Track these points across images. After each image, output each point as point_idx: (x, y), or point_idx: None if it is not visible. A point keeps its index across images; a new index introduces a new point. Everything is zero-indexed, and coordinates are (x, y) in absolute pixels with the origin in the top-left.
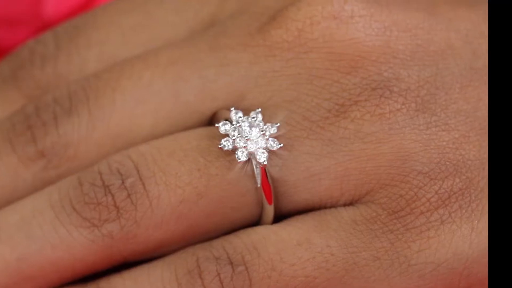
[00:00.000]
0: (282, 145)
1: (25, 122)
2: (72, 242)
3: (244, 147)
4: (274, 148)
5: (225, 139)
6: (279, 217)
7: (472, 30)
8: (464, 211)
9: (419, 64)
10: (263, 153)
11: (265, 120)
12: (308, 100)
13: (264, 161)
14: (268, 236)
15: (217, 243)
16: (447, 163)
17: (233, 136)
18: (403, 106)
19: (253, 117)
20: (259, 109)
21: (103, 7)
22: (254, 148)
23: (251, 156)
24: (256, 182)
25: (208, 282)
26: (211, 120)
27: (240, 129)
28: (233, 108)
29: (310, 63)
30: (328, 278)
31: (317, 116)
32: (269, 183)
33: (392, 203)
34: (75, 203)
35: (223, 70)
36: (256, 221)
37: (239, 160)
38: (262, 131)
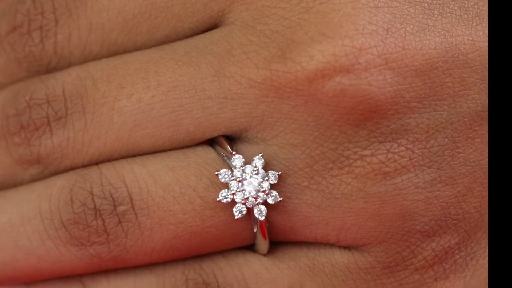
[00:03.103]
0: (281, 199)
1: (17, 119)
2: (59, 257)
3: (243, 203)
4: (273, 203)
5: (223, 192)
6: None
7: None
8: (458, 266)
9: (429, 110)
10: (261, 210)
11: (266, 159)
12: (313, 148)
13: (262, 218)
14: (260, 273)
15: (208, 266)
16: (448, 219)
17: (233, 190)
18: (409, 163)
19: (255, 167)
20: (261, 154)
21: None
22: (253, 204)
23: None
24: (252, 225)
25: None
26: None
27: (241, 185)
28: (235, 153)
29: (319, 113)
30: None
31: (320, 166)
32: (265, 229)
33: (388, 258)
34: (64, 220)
35: (226, 104)
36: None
37: (236, 217)
38: (262, 187)
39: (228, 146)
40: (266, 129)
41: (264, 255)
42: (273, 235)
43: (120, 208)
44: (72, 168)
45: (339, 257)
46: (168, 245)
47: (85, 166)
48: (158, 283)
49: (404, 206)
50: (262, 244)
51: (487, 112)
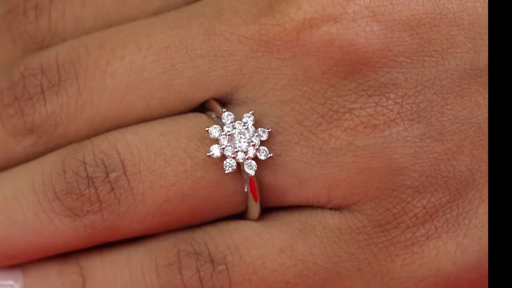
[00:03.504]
0: (271, 155)
1: (11, 91)
2: (54, 229)
3: (233, 157)
4: (263, 158)
5: (214, 147)
6: (265, 209)
7: (476, 24)
8: (450, 225)
9: (418, 66)
10: (251, 164)
11: (256, 117)
12: (302, 103)
13: (253, 173)
14: (251, 238)
15: (199, 236)
16: (438, 175)
17: (223, 145)
18: (398, 116)
19: (245, 123)
20: (251, 112)
21: None
22: (243, 158)
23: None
24: (243, 186)
25: (187, 278)
26: (203, 106)
27: (231, 139)
28: (225, 110)
29: (307, 65)
30: (309, 285)
31: (310, 121)
32: (256, 189)
33: (379, 216)
34: (58, 191)
35: (217, 61)
36: (242, 213)
37: (226, 172)
38: (252, 141)
39: (219, 107)
40: (256, 87)
41: (256, 221)
42: (264, 198)
43: (112, 175)
44: (65, 136)
45: (330, 219)
46: (161, 210)
47: (78, 133)
48: (151, 257)
49: (394, 160)
50: (253, 207)
51: (475, 71)
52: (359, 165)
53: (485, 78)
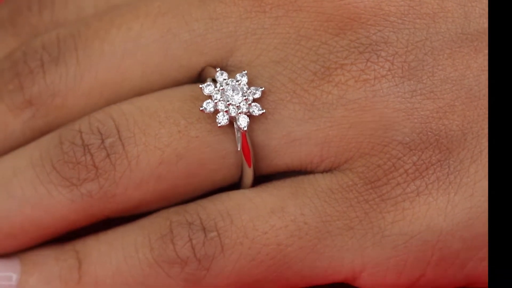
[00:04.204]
0: (264, 111)
1: (12, 69)
2: (51, 201)
3: (226, 111)
4: (256, 114)
5: (207, 101)
6: (260, 179)
7: None
8: (441, 183)
9: (409, 27)
10: (244, 118)
11: (250, 79)
12: (295, 62)
13: (245, 126)
14: (243, 203)
15: (191, 207)
16: (429, 133)
17: (216, 99)
18: (389, 72)
19: (238, 80)
20: (245, 72)
21: None
22: (236, 112)
23: (232, 120)
24: (236, 145)
25: (179, 247)
26: (200, 76)
27: (223, 93)
28: (218, 69)
29: (299, 22)
30: (301, 246)
31: (302, 79)
32: (249, 147)
33: (369, 172)
34: (55, 162)
35: (212, 24)
36: (237, 184)
37: (219, 125)
38: (245, 95)
39: (213, 70)
40: (250, 50)
41: (249, 188)
42: (258, 161)
43: (108, 141)
44: (63, 108)
45: (322, 180)
46: (156, 174)
47: (76, 104)
48: (144, 233)
49: (384, 114)
50: (247, 172)
51: (466, 35)
52: (350, 119)
53: (476, 44)
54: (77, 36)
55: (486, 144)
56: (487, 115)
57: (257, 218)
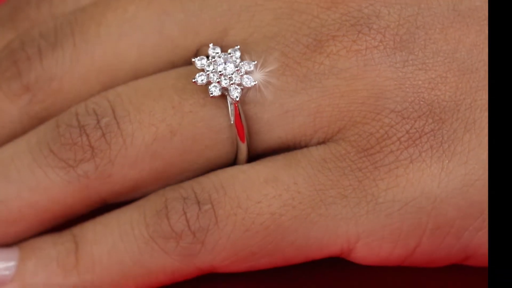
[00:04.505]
0: (256, 82)
1: (10, 57)
2: (49, 184)
3: (218, 82)
4: (248, 85)
5: (199, 73)
6: (255, 157)
7: None
8: (435, 151)
9: (400, 2)
10: (236, 88)
11: (244, 55)
12: (288, 36)
13: (237, 96)
14: (236, 175)
15: (187, 184)
16: (421, 102)
17: (208, 71)
18: (380, 44)
19: (230, 54)
20: (237, 47)
21: None
22: (228, 83)
23: (225, 92)
24: (229, 119)
25: (174, 222)
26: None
27: (215, 64)
28: (211, 44)
29: None
30: (294, 215)
31: (294, 52)
32: (242, 120)
33: (362, 140)
34: (52, 145)
35: (206, 3)
36: (232, 161)
37: (211, 95)
38: (237, 67)
39: (207, 48)
40: (243, 28)
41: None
42: (251, 135)
43: (103, 121)
44: (60, 92)
45: (315, 151)
46: (151, 151)
47: (72, 88)
48: (139, 211)
49: (376, 82)
50: (241, 148)
51: (458, 12)
52: (341, 88)
53: (468, 20)
54: (74, 21)
55: (480, 115)
56: (479, 88)
57: (251, 188)
